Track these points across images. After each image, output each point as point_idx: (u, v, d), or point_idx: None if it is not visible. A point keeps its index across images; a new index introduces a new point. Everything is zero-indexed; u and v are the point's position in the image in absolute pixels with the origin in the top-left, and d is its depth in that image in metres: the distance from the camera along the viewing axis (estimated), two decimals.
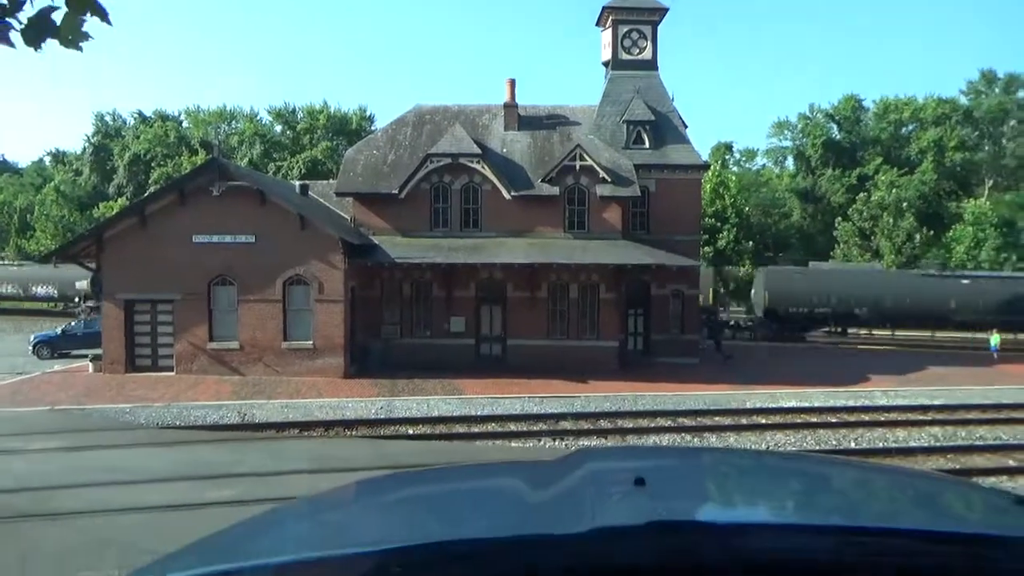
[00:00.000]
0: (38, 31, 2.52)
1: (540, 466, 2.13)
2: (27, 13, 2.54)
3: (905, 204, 55.24)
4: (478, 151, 26.48)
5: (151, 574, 1.46)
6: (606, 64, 31.26)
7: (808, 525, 1.52)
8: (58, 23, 2.54)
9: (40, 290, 46.40)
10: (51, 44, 2.59)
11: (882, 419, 18.45)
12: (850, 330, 41.43)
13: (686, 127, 29.86)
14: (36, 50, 2.56)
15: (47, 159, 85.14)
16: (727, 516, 1.66)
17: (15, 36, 2.52)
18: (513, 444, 15.98)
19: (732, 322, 42.01)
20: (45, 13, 2.51)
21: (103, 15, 2.55)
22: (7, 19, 2.49)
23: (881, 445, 15.91)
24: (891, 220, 53.89)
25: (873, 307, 38.26)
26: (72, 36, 2.54)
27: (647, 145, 28.79)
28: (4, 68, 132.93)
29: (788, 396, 21.13)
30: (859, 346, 37.83)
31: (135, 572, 1.51)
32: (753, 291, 40.53)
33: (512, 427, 17.30)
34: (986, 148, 67.32)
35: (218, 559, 1.48)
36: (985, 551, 1.35)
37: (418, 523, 1.73)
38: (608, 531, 1.31)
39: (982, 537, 1.44)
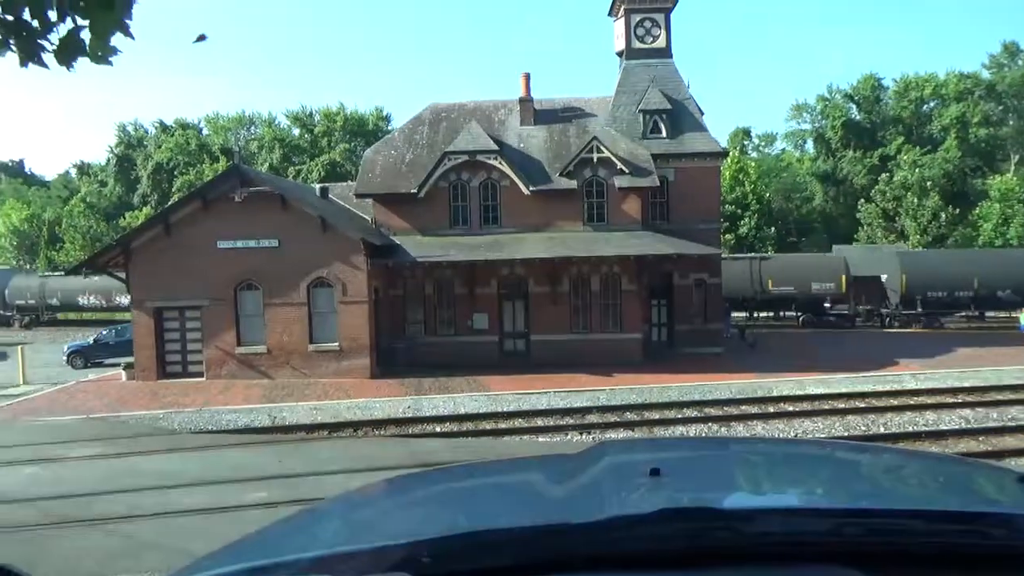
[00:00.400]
0: (70, 51, 2.62)
1: (560, 460, 2.21)
2: (56, 34, 2.65)
3: (929, 183, 54.41)
4: (495, 147, 26.54)
5: (191, 572, 1.54)
6: (620, 54, 31.14)
7: (821, 508, 1.57)
8: (87, 41, 2.64)
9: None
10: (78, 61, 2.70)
11: (911, 403, 18.27)
12: (988, 313, 39.51)
13: (703, 114, 29.67)
14: (69, 69, 2.67)
15: (72, 171, 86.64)
16: (740, 502, 1.71)
17: (48, 57, 2.63)
18: (540, 439, 16.06)
19: (861, 308, 39.54)
20: (75, 33, 2.61)
21: (126, 31, 2.66)
22: (39, 40, 2.60)
23: (911, 429, 15.77)
24: (915, 200, 53.11)
25: (1019, 288, 36.02)
26: (102, 53, 2.63)
27: (664, 134, 28.66)
28: (27, 85, 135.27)
29: (815, 383, 21.00)
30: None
31: (177, 572, 1.59)
32: (884, 276, 38.23)
33: (539, 422, 17.37)
34: (1011, 123, 66.04)
35: (254, 556, 1.57)
36: (991, 529, 1.40)
37: (444, 517, 1.81)
38: (621, 520, 1.38)
39: (992, 515, 1.49)
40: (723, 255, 41.50)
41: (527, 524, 1.50)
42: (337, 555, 1.44)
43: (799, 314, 39.18)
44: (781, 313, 40.82)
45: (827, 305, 38.29)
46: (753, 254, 41.61)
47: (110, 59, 2.66)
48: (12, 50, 2.56)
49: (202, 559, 1.63)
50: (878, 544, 1.35)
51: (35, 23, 2.56)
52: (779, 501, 1.74)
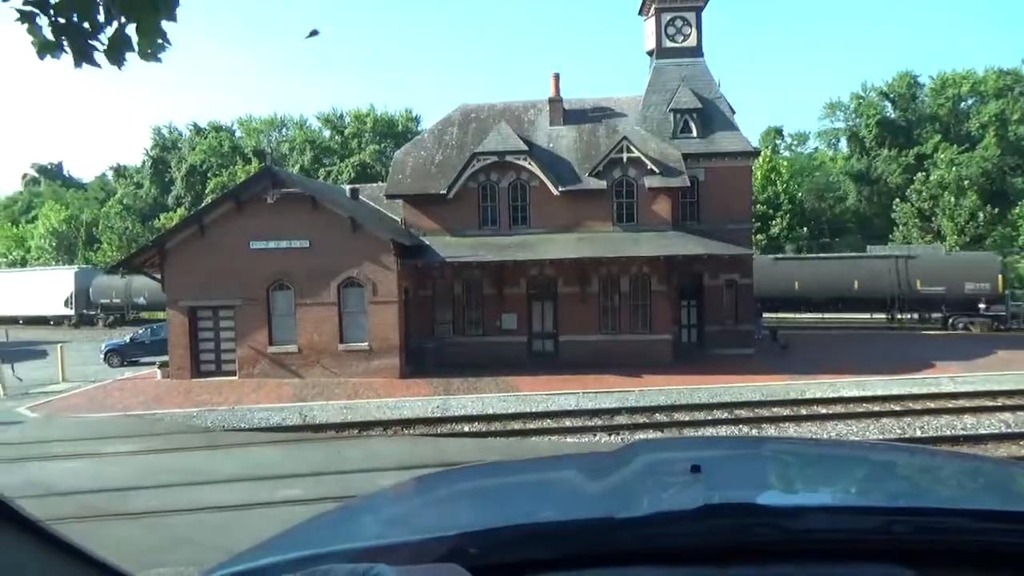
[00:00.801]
0: (119, 49, 2.69)
1: (596, 458, 2.21)
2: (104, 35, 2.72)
3: (967, 182, 53.21)
4: (524, 148, 26.54)
5: (240, 562, 1.56)
6: (650, 53, 30.96)
7: (867, 506, 1.56)
8: (135, 39, 2.71)
9: None
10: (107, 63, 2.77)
11: (949, 406, 17.89)
12: None
13: (734, 113, 29.38)
14: (119, 68, 2.74)
15: (109, 174, 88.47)
16: (782, 499, 1.70)
17: (99, 58, 2.70)
18: (569, 440, 16.02)
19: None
20: (122, 31, 2.68)
21: (164, 37, 2.72)
22: (90, 41, 2.67)
23: (949, 433, 15.45)
24: (952, 199, 51.96)
25: None
26: (151, 50, 2.70)
27: (695, 133, 28.44)
28: (66, 89, 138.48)
29: (849, 385, 20.67)
30: None
31: (224, 563, 1.61)
32: None
33: (567, 423, 17.34)
34: None
35: (301, 547, 1.59)
36: None
37: (486, 511, 1.83)
38: (664, 515, 1.39)
39: None
40: (867, 254, 39.49)
41: (571, 518, 1.50)
42: (386, 546, 1.46)
43: (948, 315, 36.59)
44: (929, 315, 37.77)
45: (982, 306, 35.82)
46: (898, 252, 38.31)
47: (159, 55, 2.73)
48: (66, 51, 2.63)
49: (248, 550, 1.65)
50: (926, 542, 1.32)
51: (86, 24, 2.63)
52: (822, 498, 1.72)
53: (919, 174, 55.91)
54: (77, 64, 2.65)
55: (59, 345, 29.23)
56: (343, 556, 1.41)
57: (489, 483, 2.12)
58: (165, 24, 2.70)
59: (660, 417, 17.66)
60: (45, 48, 2.61)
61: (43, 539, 1.13)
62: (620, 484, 1.74)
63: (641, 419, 17.47)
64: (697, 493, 1.51)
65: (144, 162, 79.76)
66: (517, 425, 17.23)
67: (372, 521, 1.87)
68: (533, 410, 18.47)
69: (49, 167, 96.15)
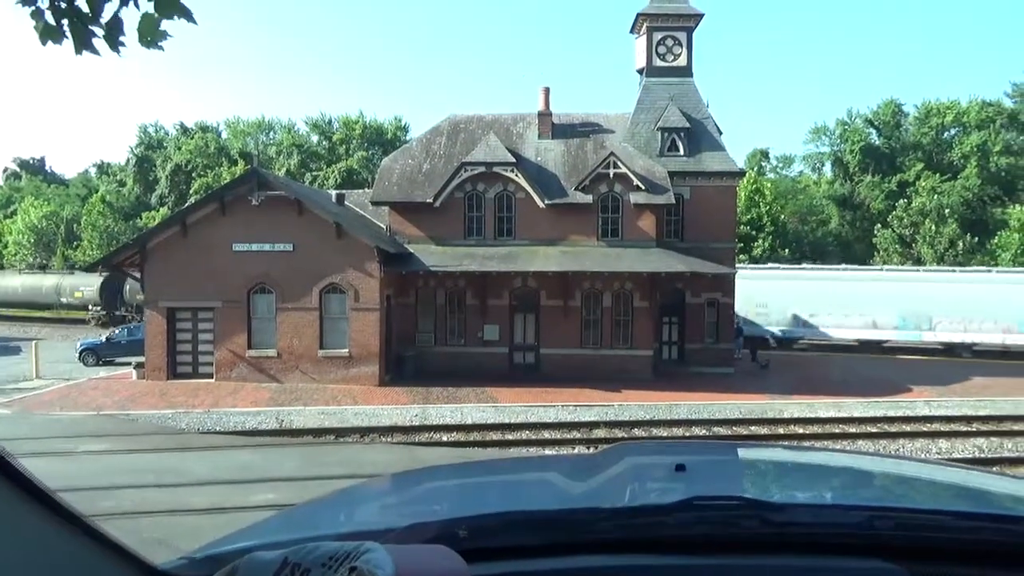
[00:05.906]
0: (117, 34, 2.60)
1: (583, 457, 2.24)
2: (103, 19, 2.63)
3: (948, 210, 54.07)
4: (512, 160, 26.60)
5: (224, 544, 1.55)
6: (640, 71, 31.20)
7: (846, 504, 1.59)
8: (135, 25, 2.60)
9: None
10: (104, 62, 2.69)
11: (924, 429, 18.10)
12: None
13: (721, 134, 29.66)
14: (118, 54, 2.65)
15: (92, 170, 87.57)
16: (767, 494, 1.73)
17: (99, 44, 2.60)
18: (547, 452, 16.00)
19: None
20: (117, 14, 2.58)
21: (189, 16, 2.62)
22: (91, 26, 2.58)
23: (923, 456, 15.61)
24: (933, 227, 52.77)
25: None
26: (151, 37, 2.61)
27: (682, 152, 28.66)
28: (51, 83, 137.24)
29: (826, 406, 20.83)
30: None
31: (208, 545, 1.60)
32: None
33: (546, 435, 17.34)
34: None
35: (286, 532, 1.58)
36: (1011, 528, 1.40)
37: (473, 501, 1.83)
38: (651, 507, 1.40)
39: (1008, 518, 1.49)
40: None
41: (558, 507, 1.52)
42: (374, 531, 1.46)
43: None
44: None
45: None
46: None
47: (160, 43, 2.65)
48: (67, 36, 2.55)
49: (236, 532, 1.64)
50: (906, 539, 1.34)
51: (86, 9, 2.54)
52: (805, 496, 1.75)
53: (901, 201, 56.76)
54: (78, 51, 2.57)
55: (34, 342, 28.79)
56: (331, 539, 1.41)
57: (475, 479, 2.13)
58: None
59: (639, 432, 17.73)
60: (47, 33, 2.53)
61: (31, 494, 1.12)
62: (607, 480, 1.76)
63: (620, 433, 17.51)
64: (683, 489, 1.52)
65: (128, 160, 78.93)
66: (496, 436, 17.19)
67: (360, 509, 1.87)
68: (512, 421, 18.47)
69: (31, 162, 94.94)
